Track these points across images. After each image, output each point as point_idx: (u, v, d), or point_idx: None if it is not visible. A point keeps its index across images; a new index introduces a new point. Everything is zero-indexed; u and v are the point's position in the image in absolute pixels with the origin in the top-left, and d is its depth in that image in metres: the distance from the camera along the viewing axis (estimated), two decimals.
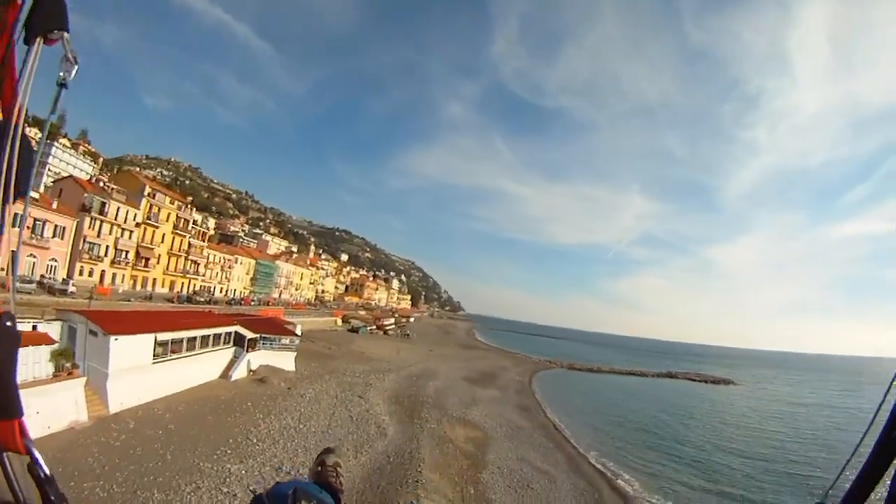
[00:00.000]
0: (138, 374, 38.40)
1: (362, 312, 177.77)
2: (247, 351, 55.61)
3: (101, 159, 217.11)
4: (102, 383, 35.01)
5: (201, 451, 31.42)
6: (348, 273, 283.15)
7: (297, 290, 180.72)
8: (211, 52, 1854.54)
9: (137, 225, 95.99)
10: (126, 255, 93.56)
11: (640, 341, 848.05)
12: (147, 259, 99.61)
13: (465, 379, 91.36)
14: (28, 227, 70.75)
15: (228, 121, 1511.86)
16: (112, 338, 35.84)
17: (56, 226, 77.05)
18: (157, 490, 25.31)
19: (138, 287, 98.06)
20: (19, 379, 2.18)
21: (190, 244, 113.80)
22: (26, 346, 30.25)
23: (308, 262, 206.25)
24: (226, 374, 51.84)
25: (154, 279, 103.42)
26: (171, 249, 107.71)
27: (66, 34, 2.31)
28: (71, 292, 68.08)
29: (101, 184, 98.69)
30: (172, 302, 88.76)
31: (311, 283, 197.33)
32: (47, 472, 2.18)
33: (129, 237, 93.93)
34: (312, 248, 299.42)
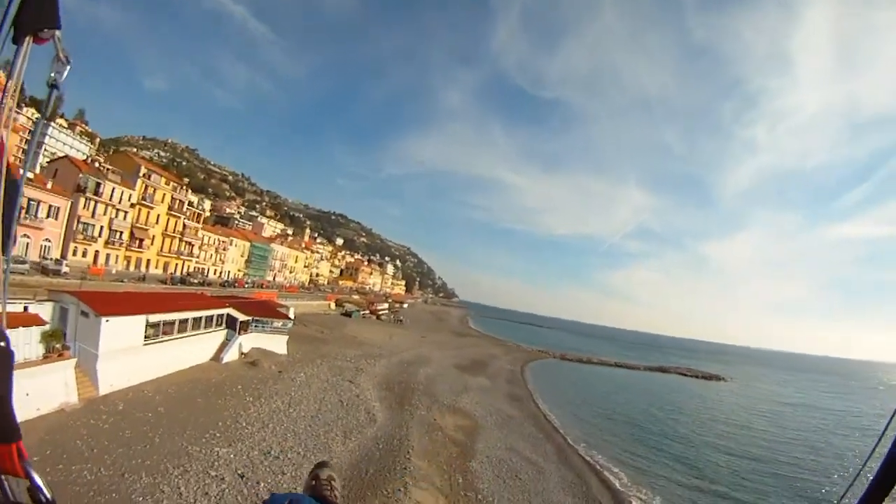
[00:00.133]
0: (129, 355, 38.26)
1: (356, 297, 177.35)
2: (239, 334, 55.51)
3: (97, 140, 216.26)
4: (93, 365, 34.84)
5: (190, 434, 31.42)
6: (343, 257, 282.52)
7: (291, 273, 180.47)
8: (209, 34, 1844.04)
9: (132, 206, 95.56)
10: (120, 235, 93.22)
11: (632, 334, 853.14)
12: (141, 240, 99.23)
13: (456, 366, 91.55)
14: (22, 208, 70.24)
15: (226, 103, 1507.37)
16: (103, 319, 35.64)
17: (50, 206, 76.60)
18: (145, 473, 25.30)
19: (132, 268, 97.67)
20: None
21: (185, 225, 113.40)
22: (16, 327, 30.18)
23: (303, 246, 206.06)
24: (217, 357, 51.71)
25: (148, 260, 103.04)
26: (166, 230, 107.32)
27: (57, 32, 2.22)
28: (64, 273, 67.64)
29: (97, 164, 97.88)
30: (166, 283, 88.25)
31: (305, 267, 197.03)
32: (49, 496, 2.15)
33: (124, 218, 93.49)
34: (308, 231, 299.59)
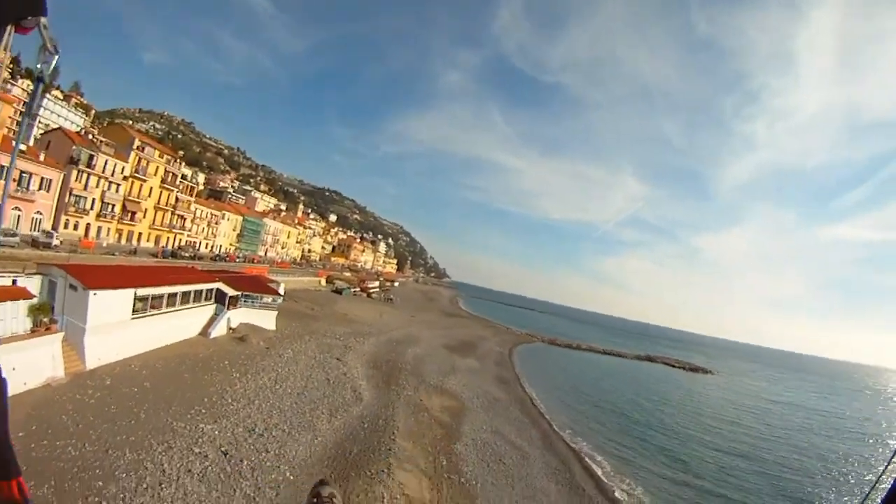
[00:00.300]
0: (117, 329, 38.07)
1: (347, 274, 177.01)
2: (228, 308, 55.37)
3: (92, 112, 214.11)
4: (80, 339, 34.61)
5: (175, 409, 31.39)
6: (336, 234, 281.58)
7: (283, 248, 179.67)
8: (211, 8, 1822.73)
9: (125, 178, 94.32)
10: (112, 208, 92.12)
11: (621, 321, 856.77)
12: (133, 213, 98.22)
13: (445, 347, 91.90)
14: (14, 180, 69.64)
15: (225, 78, 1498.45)
16: (91, 292, 35.32)
17: (42, 178, 75.40)
18: (129, 450, 25.29)
19: (123, 241, 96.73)
20: None
21: (177, 198, 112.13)
22: (4, 301, 29.97)
23: (296, 221, 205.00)
24: (205, 332, 51.58)
25: (139, 233, 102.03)
26: (158, 203, 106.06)
27: (42, 19, 2.08)
28: (55, 245, 67.08)
29: (91, 136, 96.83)
30: (157, 257, 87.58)
31: (297, 242, 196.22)
32: None
33: (116, 190, 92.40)
34: (301, 206, 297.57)
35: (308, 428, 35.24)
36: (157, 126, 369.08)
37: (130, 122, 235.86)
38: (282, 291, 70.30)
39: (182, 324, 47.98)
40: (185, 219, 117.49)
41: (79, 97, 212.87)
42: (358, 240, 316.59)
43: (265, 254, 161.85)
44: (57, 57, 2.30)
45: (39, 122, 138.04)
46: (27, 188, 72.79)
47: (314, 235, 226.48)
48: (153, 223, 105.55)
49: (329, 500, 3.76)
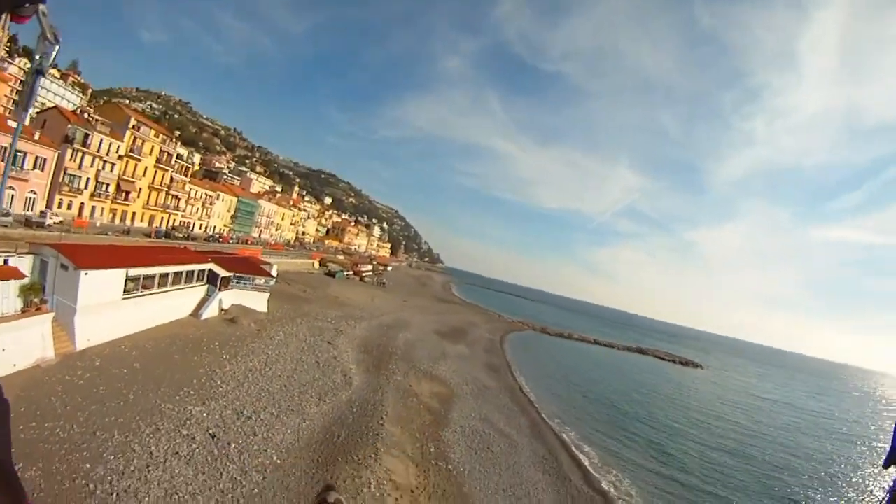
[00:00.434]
0: (107, 310, 37.80)
1: (341, 257, 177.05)
2: (219, 290, 55.13)
3: (89, 91, 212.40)
4: (71, 319, 34.31)
5: (164, 391, 31.35)
6: (330, 216, 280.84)
7: (277, 230, 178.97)
8: None
9: (120, 157, 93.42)
10: (106, 187, 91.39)
11: (613, 312, 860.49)
12: (127, 192, 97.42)
13: (436, 332, 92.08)
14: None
15: (224, 58, 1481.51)
16: (82, 272, 34.93)
17: (37, 157, 74.53)
18: (117, 431, 25.23)
19: (117, 221, 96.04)
20: None
21: (172, 179, 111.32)
22: None
23: (291, 203, 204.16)
24: (196, 313, 51.33)
25: (133, 213, 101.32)
26: (153, 183, 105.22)
27: (42, 6, 1.96)
28: (48, 225, 66.64)
29: (86, 115, 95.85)
30: (150, 237, 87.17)
31: (292, 224, 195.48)
32: None
33: (111, 170, 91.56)
34: (297, 188, 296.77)
35: (296, 411, 35.29)
36: (155, 106, 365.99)
37: (127, 102, 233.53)
38: (274, 273, 70.22)
39: (173, 304, 47.74)
40: (179, 199, 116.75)
41: (76, 76, 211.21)
42: (352, 223, 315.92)
43: (259, 235, 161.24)
44: (58, 47, 2.19)
45: (35, 101, 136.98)
46: (21, 167, 72.12)
47: (308, 218, 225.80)
48: (147, 203, 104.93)
49: None
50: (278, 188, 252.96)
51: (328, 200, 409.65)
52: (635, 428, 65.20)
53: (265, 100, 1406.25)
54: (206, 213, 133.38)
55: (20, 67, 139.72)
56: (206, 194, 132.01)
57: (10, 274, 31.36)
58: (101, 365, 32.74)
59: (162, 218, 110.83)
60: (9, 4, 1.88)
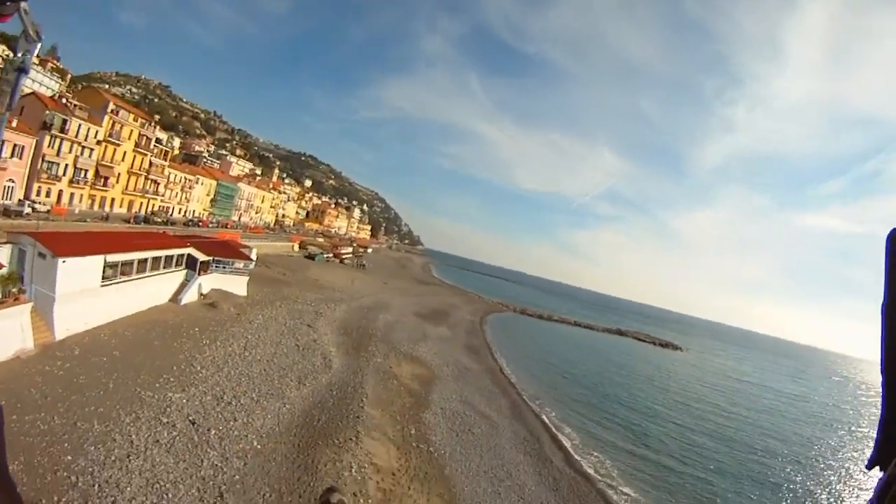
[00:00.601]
0: (86, 297, 37.16)
1: (321, 240, 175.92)
2: (199, 274, 54.64)
3: (68, 76, 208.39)
4: (49, 308, 33.65)
5: (144, 378, 31.06)
6: (310, 199, 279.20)
7: (257, 213, 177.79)
8: None
9: (98, 143, 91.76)
10: (85, 174, 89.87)
11: (592, 294, 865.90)
12: (106, 178, 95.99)
13: (416, 314, 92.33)
14: None
15: (203, 39, 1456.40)
16: (59, 260, 34.24)
17: (15, 145, 73.06)
18: (98, 421, 24.97)
19: (96, 207, 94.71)
20: None
21: (151, 163, 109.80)
22: None
23: (270, 186, 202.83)
24: (176, 298, 50.84)
25: (112, 199, 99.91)
26: (132, 168, 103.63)
27: (23, 4, 1.90)
28: (26, 214, 65.71)
29: (64, 101, 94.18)
30: (129, 223, 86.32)
31: (271, 207, 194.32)
32: None
33: (90, 155, 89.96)
34: (277, 171, 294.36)
35: (277, 395, 35.27)
36: (134, 90, 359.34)
37: (107, 87, 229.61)
38: (254, 257, 69.93)
39: (152, 290, 47.19)
40: (158, 184, 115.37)
41: (55, 62, 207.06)
42: (332, 205, 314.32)
43: (239, 219, 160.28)
44: (40, 45, 2.13)
45: (17, 99, 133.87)
46: None
47: (288, 200, 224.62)
48: (126, 188, 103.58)
49: None
50: (258, 171, 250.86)
51: (308, 183, 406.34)
52: (616, 409, 66.01)
53: (246, 82, 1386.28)
54: (186, 198, 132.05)
55: (2, 57, 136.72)
56: (186, 178, 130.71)
57: None
58: (81, 354, 32.27)
59: (141, 203, 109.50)
60: None
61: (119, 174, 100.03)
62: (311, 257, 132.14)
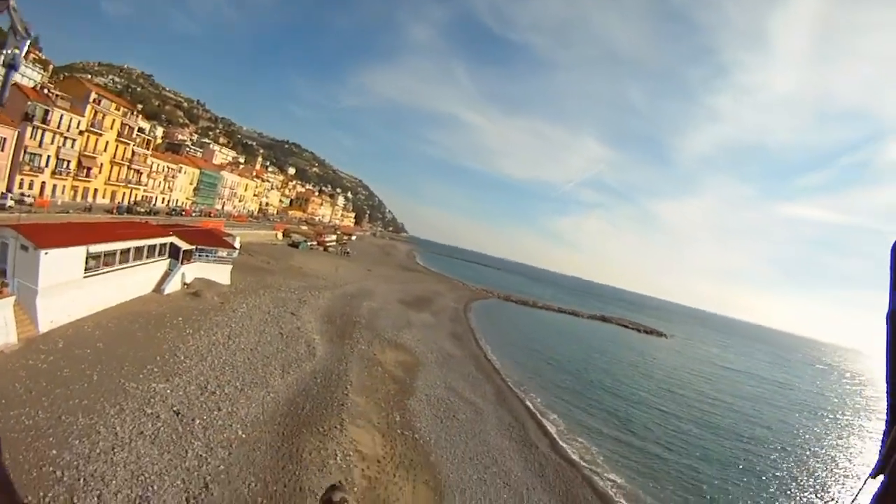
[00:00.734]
0: (69, 289, 36.74)
1: (304, 227, 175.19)
2: (182, 263, 54.33)
3: (51, 67, 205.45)
4: (32, 301, 33.22)
5: (128, 370, 30.88)
6: (294, 187, 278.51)
7: (240, 201, 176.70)
8: None
9: (81, 133, 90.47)
10: (67, 165, 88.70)
11: (576, 280, 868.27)
12: (89, 169, 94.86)
13: (400, 301, 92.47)
14: None
15: (187, 27, 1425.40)
16: (42, 252, 33.68)
17: None
18: (82, 414, 24.79)
19: (79, 198, 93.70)
20: None
21: (133, 153, 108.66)
22: None
23: (254, 174, 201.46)
24: (159, 288, 50.50)
25: (95, 189, 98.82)
26: (115, 158, 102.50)
27: (11, 2, 1.92)
28: (9, 206, 64.90)
29: (46, 91, 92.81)
30: (112, 213, 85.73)
31: (255, 196, 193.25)
32: None
33: (72, 146, 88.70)
34: (260, 159, 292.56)
35: (261, 384, 35.26)
36: (117, 80, 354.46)
37: (89, 77, 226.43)
38: (237, 245, 69.54)
39: (135, 280, 46.78)
40: (141, 173, 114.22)
41: (37, 52, 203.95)
42: (316, 193, 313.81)
43: (222, 207, 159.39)
44: (29, 41, 2.16)
45: (6, 94, 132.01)
46: None
47: (272, 189, 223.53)
48: (109, 178, 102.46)
49: None
50: (241, 159, 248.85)
51: (292, 171, 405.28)
52: (601, 396, 66.51)
53: (229, 70, 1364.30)
54: (169, 187, 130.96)
55: None
56: (169, 167, 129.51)
57: None
58: (65, 347, 31.94)
59: (124, 193, 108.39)
60: None
61: (102, 164, 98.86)
62: (294, 245, 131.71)
